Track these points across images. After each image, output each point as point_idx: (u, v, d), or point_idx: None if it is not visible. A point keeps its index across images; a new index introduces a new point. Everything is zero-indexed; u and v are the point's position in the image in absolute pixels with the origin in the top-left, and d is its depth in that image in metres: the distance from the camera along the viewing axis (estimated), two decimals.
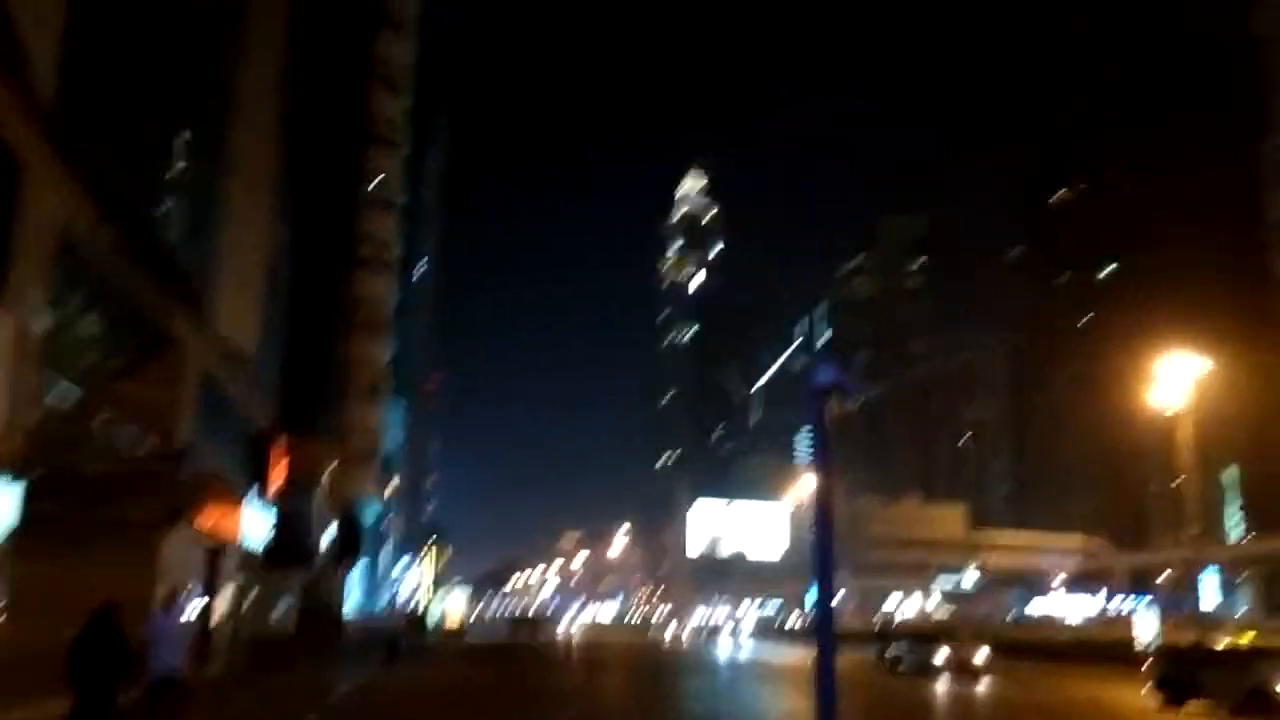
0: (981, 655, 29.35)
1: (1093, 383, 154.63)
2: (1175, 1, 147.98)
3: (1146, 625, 35.08)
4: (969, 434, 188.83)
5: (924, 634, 34.77)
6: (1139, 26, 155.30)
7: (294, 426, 29.13)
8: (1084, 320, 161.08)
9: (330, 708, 14.22)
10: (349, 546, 46.90)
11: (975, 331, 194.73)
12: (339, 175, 36.00)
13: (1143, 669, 21.35)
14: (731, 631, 70.26)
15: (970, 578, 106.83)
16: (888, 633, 39.49)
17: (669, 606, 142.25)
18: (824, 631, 4.47)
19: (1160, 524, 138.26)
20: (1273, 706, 16.85)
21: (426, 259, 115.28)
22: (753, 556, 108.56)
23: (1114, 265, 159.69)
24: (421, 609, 62.41)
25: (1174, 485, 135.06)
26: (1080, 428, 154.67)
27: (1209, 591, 69.39)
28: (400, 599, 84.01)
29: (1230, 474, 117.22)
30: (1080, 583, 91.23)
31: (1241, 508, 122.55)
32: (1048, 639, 45.46)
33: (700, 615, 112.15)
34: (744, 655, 45.51)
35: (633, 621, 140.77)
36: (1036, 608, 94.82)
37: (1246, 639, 20.33)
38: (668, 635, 73.73)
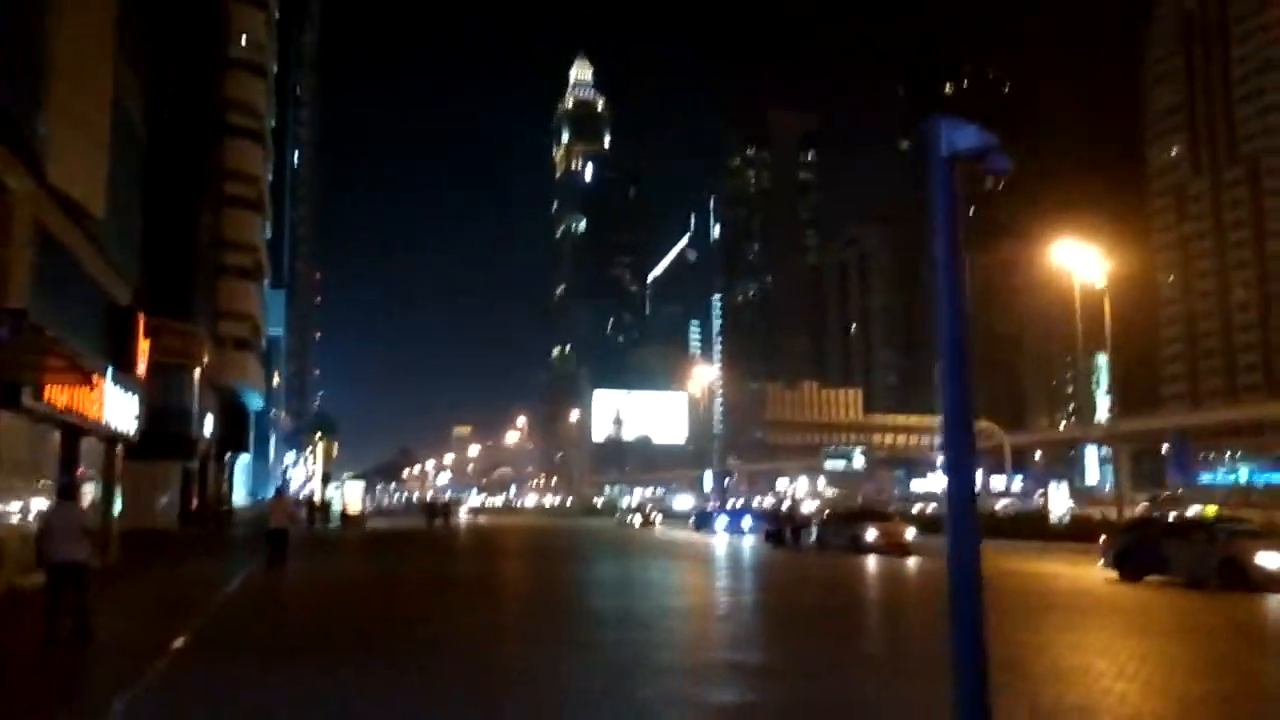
0: (910, 533, 29.68)
1: (977, 272, 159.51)
2: None
3: (1059, 500, 36.09)
4: (855, 324, 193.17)
5: (851, 514, 35.28)
6: None
7: (162, 307, 26.53)
8: (970, 211, 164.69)
9: (207, 623, 12.51)
10: (232, 438, 44.46)
11: (864, 223, 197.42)
12: (198, 26, 32.20)
13: (1100, 542, 20.61)
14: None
15: (858, 459, 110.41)
16: (795, 514, 39.65)
17: (567, 490, 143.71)
18: (963, 522, 3.00)
19: (1035, 408, 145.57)
20: (1247, 578, 16.50)
21: (303, 146, 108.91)
22: (657, 440, 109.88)
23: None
24: (316, 498, 60.71)
25: (1066, 371, 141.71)
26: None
27: (1090, 467, 73.15)
28: (291, 492, 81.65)
29: (1099, 360, 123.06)
30: None
31: (1109, 390, 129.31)
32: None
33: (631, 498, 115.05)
34: (655, 536, 45.45)
35: (527, 505, 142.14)
36: (919, 486, 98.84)
37: (1210, 513, 19.89)
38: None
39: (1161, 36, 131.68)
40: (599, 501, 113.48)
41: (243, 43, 39.95)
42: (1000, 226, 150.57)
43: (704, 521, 52.79)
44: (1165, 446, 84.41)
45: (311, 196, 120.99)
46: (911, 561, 26.40)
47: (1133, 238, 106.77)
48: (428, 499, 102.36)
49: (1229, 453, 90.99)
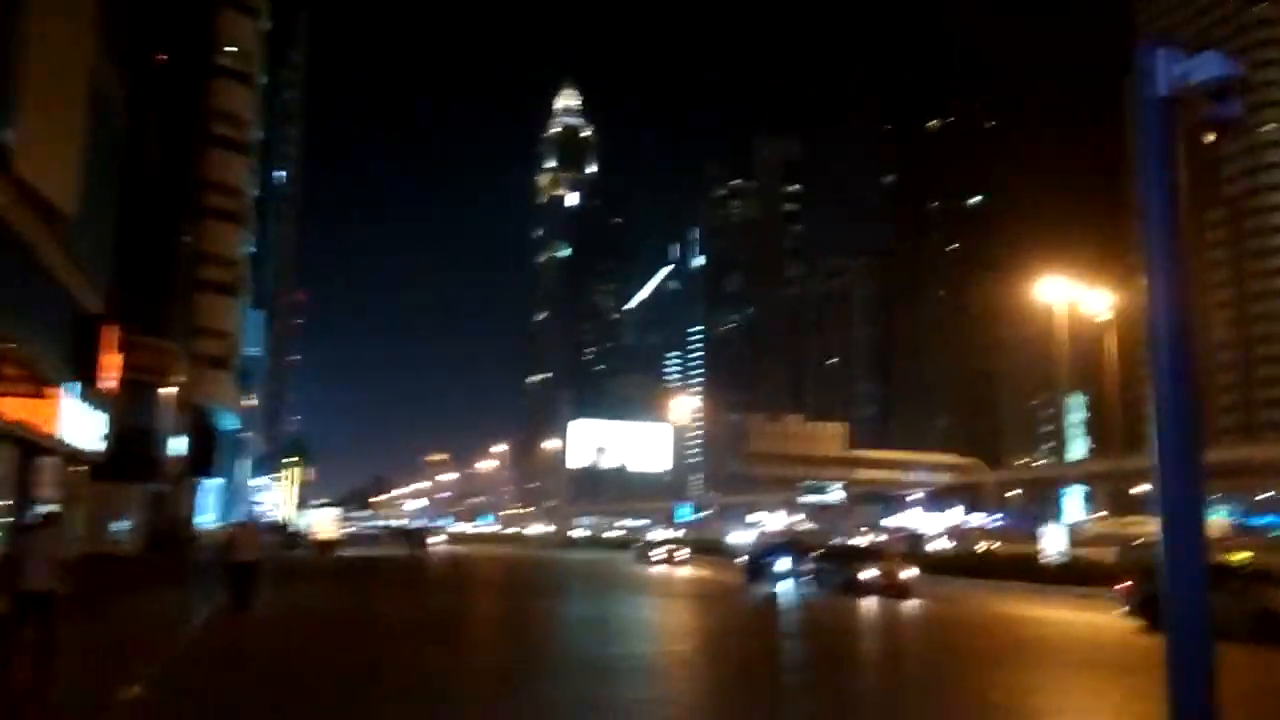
0: (909, 573, 28.21)
1: (957, 309, 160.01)
2: None
3: (1053, 541, 34.99)
4: (837, 359, 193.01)
5: (847, 552, 33.35)
6: None
7: (135, 319, 25.22)
8: (951, 247, 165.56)
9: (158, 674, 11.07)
10: (202, 460, 42.80)
11: (847, 255, 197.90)
12: (185, 29, 31.10)
13: (1115, 589, 19.37)
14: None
15: (835, 493, 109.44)
16: (771, 549, 37.95)
17: (544, 519, 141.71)
18: (1188, 595, 2.14)
19: (1012, 445, 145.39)
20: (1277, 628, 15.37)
21: (290, 166, 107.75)
22: (637, 470, 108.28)
23: (981, 196, 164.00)
24: (288, 523, 59.07)
25: (1044, 408, 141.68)
26: (943, 352, 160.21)
27: (1073, 504, 72.49)
28: (262, 518, 79.71)
29: (1075, 398, 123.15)
30: (946, 498, 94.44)
31: (1087, 429, 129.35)
32: (955, 556, 45.22)
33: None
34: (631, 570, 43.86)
35: (506, 532, 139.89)
36: (896, 521, 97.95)
37: (1240, 559, 18.48)
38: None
39: None
40: (577, 533, 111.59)
41: (231, 51, 38.87)
42: (979, 262, 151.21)
43: (759, 572, 33.59)
44: (1144, 487, 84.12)
45: (296, 215, 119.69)
46: (913, 604, 25.16)
47: (1115, 276, 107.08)
48: (405, 527, 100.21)
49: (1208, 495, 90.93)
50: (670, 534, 73.27)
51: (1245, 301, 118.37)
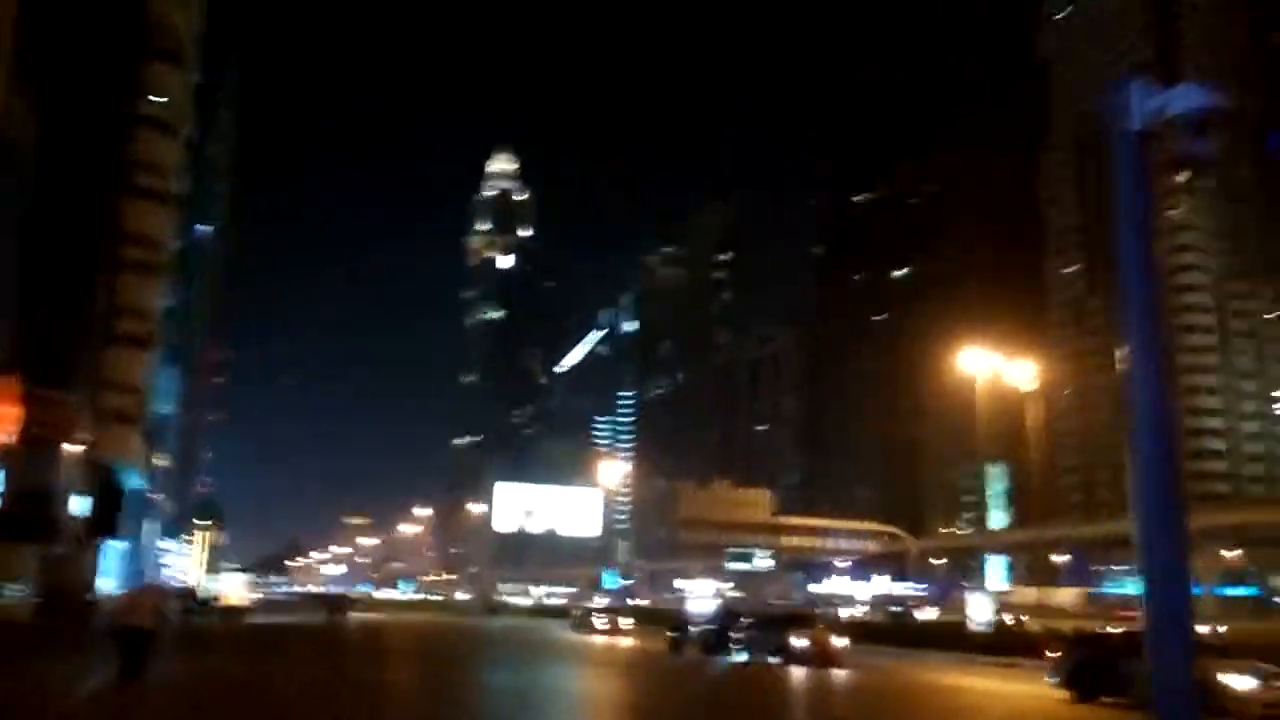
0: (840, 642, 27.66)
1: (882, 379, 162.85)
2: (970, 26, 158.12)
3: (980, 609, 35.07)
4: (766, 426, 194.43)
5: (775, 619, 32.42)
6: (938, 48, 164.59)
7: (37, 371, 24.06)
8: (878, 318, 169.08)
9: None
10: (106, 521, 40.83)
11: (775, 323, 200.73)
12: (108, 75, 30.27)
13: (1046, 657, 19.13)
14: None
15: (761, 560, 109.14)
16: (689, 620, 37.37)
17: (467, 585, 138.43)
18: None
19: (934, 514, 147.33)
20: (1213, 703, 14.60)
21: (217, 222, 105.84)
22: (565, 535, 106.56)
23: (907, 268, 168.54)
24: (193, 589, 56.46)
25: (966, 479, 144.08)
26: (869, 420, 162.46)
27: (994, 573, 73.27)
28: (166, 582, 76.29)
29: (996, 469, 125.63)
30: (870, 566, 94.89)
31: (1009, 499, 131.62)
32: (883, 624, 44.94)
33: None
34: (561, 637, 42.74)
35: (429, 598, 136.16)
36: (822, 589, 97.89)
37: None
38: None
39: (1058, 156, 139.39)
40: (503, 600, 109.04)
41: (157, 101, 37.99)
42: (906, 332, 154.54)
43: (684, 640, 33.23)
44: (1062, 557, 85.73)
45: (222, 272, 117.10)
46: (844, 674, 24.68)
47: (1035, 350, 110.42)
48: (323, 592, 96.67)
49: (1117, 565, 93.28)
50: (606, 602, 71.75)
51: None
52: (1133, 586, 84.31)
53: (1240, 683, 15.19)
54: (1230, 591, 72.00)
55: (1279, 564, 77.21)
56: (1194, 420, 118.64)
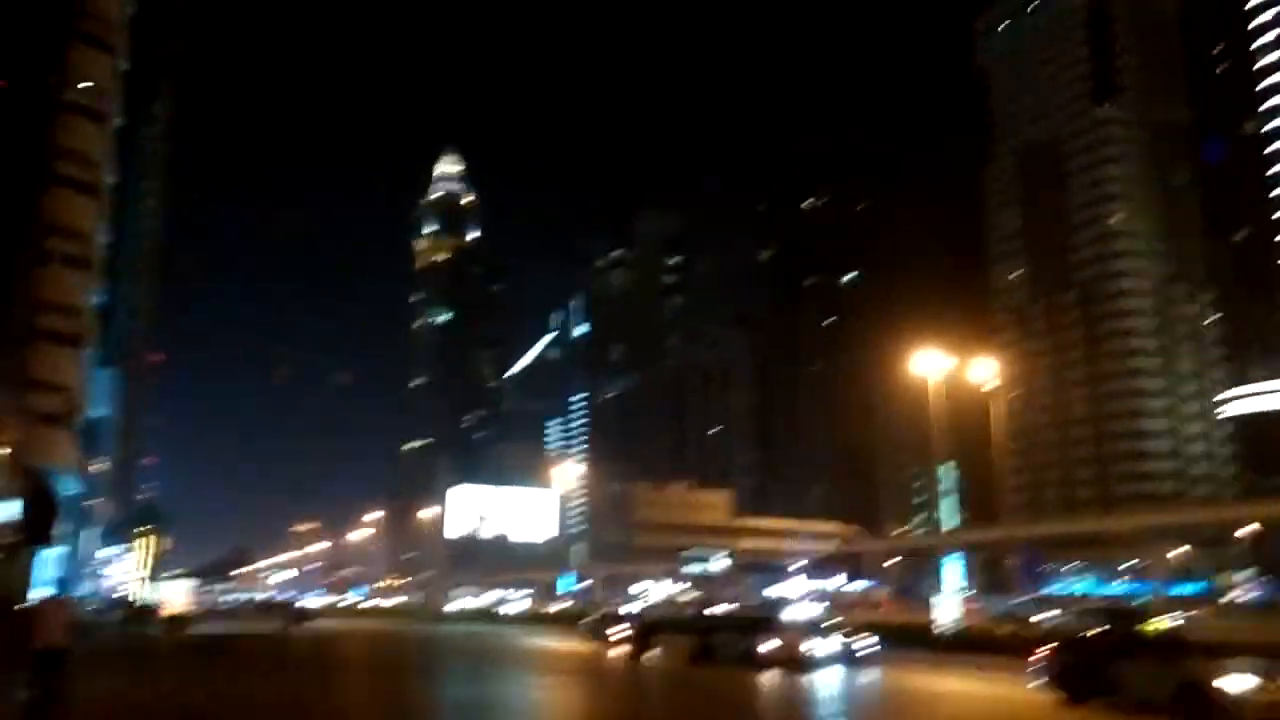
0: (868, 642, 26.86)
1: (832, 381, 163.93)
2: (913, 35, 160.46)
3: (947, 610, 34.52)
4: (719, 427, 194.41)
5: (744, 621, 31.04)
6: (883, 57, 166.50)
7: None
8: (827, 322, 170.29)
9: None
10: (38, 527, 38.75)
11: (726, 327, 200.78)
12: (28, 60, 28.55)
13: (1032, 658, 18.35)
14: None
15: (717, 562, 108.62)
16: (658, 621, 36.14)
17: (418, 591, 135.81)
18: None
19: (888, 515, 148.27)
20: (1210, 706, 14.39)
21: (154, 220, 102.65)
22: (518, 539, 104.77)
23: (856, 273, 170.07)
24: (132, 599, 54.21)
25: (917, 480, 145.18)
26: (821, 421, 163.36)
27: (953, 574, 72.95)
28: (107, 592, 73.61)
29: (947, 469, 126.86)
30: (827, 567, 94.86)
31: (961, 500, 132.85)
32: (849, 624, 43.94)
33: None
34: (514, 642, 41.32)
35: (380, 604, 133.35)
36: (777, 591, 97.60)
37: (1159, 628, 17.54)
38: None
39: (1002, 164, 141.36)
40: (455, 606, 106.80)
41: (83, 87, 36.10)
42: (854, 335, 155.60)
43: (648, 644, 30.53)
44: (1012, 558, 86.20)
45: (159, 273, 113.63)
46: (819, 677, 23.54)
47: (982, 352, 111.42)
48: (272, 599, 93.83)
49: (1067, 564, 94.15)
50: (631, 608, 60.74)
51: (1097, 381, 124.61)
52: (1083, 586, 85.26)
53: (1237, 683, 14.53)
54: (1178, 590, 72.88)
55: (1225, 561, 78.44)
56: (1138, 422, 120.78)
